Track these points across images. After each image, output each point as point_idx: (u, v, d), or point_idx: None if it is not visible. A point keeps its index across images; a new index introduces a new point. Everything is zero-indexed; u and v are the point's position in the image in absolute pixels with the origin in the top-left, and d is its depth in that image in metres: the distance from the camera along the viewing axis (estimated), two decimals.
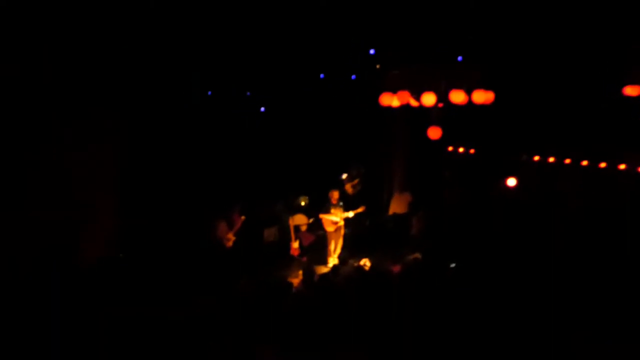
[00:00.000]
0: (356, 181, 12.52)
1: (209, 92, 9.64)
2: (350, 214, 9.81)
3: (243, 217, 9.67)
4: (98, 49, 7.15)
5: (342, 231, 10.12)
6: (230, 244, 9.56)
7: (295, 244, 10.62)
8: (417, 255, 7.98)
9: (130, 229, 8.65)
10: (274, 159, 11.86)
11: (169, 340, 5.58)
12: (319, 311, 5.94)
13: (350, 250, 9.92)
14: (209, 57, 8.68)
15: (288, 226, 10.80)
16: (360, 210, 9.85)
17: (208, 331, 5.65)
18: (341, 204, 9.89)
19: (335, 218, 9.91)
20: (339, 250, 10.14)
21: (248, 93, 10.78)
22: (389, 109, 9.11)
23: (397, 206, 11.24)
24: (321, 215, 10.14)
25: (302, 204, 12.08)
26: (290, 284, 7.02)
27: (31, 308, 6.02)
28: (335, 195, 10.00)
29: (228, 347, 5.31)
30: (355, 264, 8.36)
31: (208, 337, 5.53)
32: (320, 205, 10.12)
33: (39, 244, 7.12)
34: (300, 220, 11.34)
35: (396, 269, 7.43)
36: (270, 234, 11.10)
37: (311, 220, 11.65)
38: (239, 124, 11.15)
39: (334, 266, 8.44)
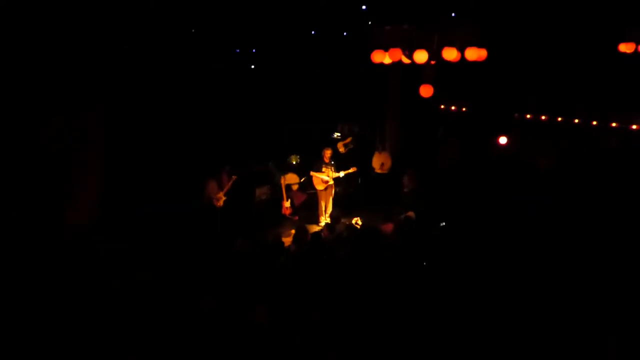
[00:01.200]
0: (348, 140, 12.69)
1: (199, 50, 9.84)
2: (341, 174, 9.80)
3: (234, 177, 9.62)
4: (83, 11, 7.09)
5: (333, 190, 10.15)
6: (220, 203, 9.51)
7: (287, 203, 10.60)
8: (410, 213, 7.92)
9: (119, 190, 8.67)
10: (265, 118, 11.95)
11: (163, 304, 5.66)
12: (312, 269, 6.05)
13: (341, 209, 9.99)
14: (197, 15, 8.71)
15: (280, 185, 10.89)
16: (351, 170, 9.86)
17: (203, 292, 5.66)
18: (333, 163, 9.87)
19: (325, 177, 9.89)
20: (330, 209, 10.06)
21: (237, 50, 10.72)
22: (381, 66, 9.05)
23: (376, 165, 11.34)
24: (312, 173, 10.01)
25: (294, 162, 12.18)
26: (283, 244, 7.16)
27: (18, 274, 6.15)
28: (327, 153, 9.88)
29: (223, 307, 5.36)
30: (347, 223, 8.36)
31: (203, 298, 5.60)
32: (312, 164, 10.12)
33: (25, 209, 7.04)
34: (291, 179, 11.44)
35: (389, 227, 7.45)
36: (261, 193, 11.18)
37: (303, 179, 11.81)
38: (229, 83, 11.13)
39: (326, 224, 8.59)
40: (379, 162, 11.28)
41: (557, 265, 6.46)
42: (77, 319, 5.45)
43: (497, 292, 5.79)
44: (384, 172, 11.22)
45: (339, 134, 13.32)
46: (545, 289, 5.91)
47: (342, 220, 8.77)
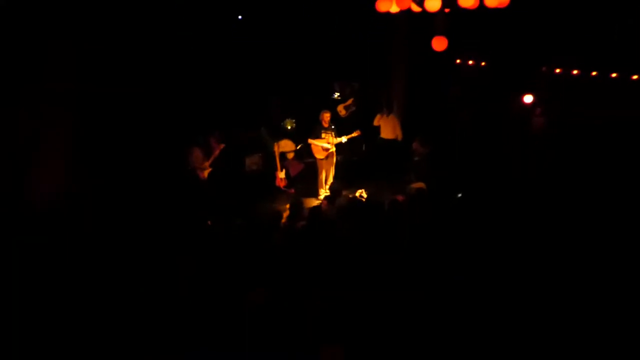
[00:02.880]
0: (350, 101, 12.53)
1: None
2: (343, 139, 9.77)
3: (222, 145, 9.69)
4: None
5: (334, 159, 10.22)
6: (205, 174, 9.56)
7: (281, 174, 10.56)
8: (421, 184, 7.97)
9: (91, 161, 8.42)
10: (255, 76, 11.86)
11: (150, 287, 5.64)
12: (310, 249, 5.94)
13: (343, 181, 9.97)
14: None
15: (273, 153, 10.75)
16: (354, 134, 9.80)
17: (193, 275, 5.70)
18: (333, 127, 9.77)
19: (326, 145, 9.83)
20: (330, 180, 10.09)
21: None
22: (387, 16, 8.78)
23: (383, 131, 11.28)
24: (310, 141, 10.03)
25: (289, 128, 12.20)
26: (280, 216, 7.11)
27: None
28: (326, 117, 9.88)
29: (216, 293, 5.39)
30: (350, 196, 8.36)
31: (193, 282, 5.58)
32: (309, 129, 10.04)
33: None
34: (286, 146, 11.42)
35: (398, 200, 7.40)
36: (252, 162, 11.11)
37: (299, 147, 11.82)
38: (214, 38, 11.04)
39: (326, 198, 8.29)
40: (387, 127, 11.14)
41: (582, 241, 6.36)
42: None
43: (519, 277, 5.65)
44: (393, 138, 11.14)
45: (338, 95, 13.19)
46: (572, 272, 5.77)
47: (345, 192, 8.70)
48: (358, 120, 12.15)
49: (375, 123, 11.29)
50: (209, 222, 7.17)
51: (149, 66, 9.47)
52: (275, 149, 10.69)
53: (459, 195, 7.72)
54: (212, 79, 11.03)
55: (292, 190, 10.44)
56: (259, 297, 5.18)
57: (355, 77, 13.11)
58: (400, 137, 11.02)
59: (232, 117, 11.11)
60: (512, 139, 10.17)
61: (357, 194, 8.65)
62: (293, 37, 12.02)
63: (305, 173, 11.05)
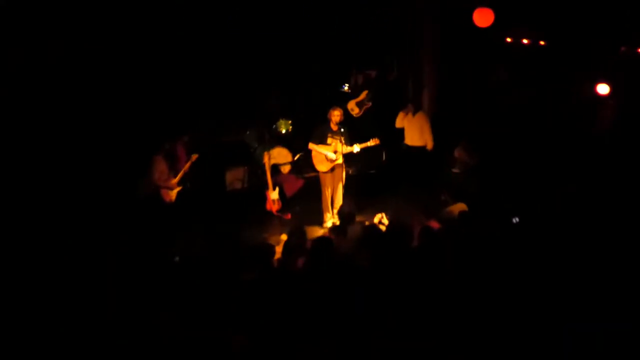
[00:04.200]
0: (364, 95, 12.54)
1: None
2: (356, 147, 9.66)
3: (194, 155, 9.61)
4: None
5: (343, 172, 10.08)
6: (172, 195, 9.50)
7: (274, 194, 10.43)
8: (463, 206, 7.96)
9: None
10: (239, 60, 12.05)
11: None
12: (313, 296, 5.84)
13: (357, 202, 10.02)
14: None
15: (263, 166, 10.65)
16: (371, 143, 9.71)
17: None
18: (343, 130, 9.67)
19: (331, 154, 9.75)
20: (339, 202, 9.98)
21: None
22: None
23: (408, 135, 11.34)
24: (312, 146, 9.91)
25: (283, 131, 12.22)
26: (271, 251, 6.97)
27: None
28: (334, 116, 9.73)
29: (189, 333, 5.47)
30: (367, 223, 8.41)
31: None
32: (311, 132, 10.00)
33: None
34: (280, 156, 11.53)
35: (433, 225, 7.49)
36: (234, 178, 11.22)
37: (297, 157, 11.99)
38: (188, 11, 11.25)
39: (334, 227, 8.31)
40: (413, 130, 11.15)
41: None
42: None
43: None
44: (422, 145, 11.16)
45: (349, 87, 13.29)
46: None
47: (359, 218, 8.71)
48: (376, 121, 12.23)
49: (398, 124, 11.26)
50: (177, 259, 7.24)
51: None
52: (266, 159, 10.53)
53: (516, 220, 7.63)
54: (182, 63, 11.26)
55: (288, 216, 10.38)
56: (239, 345, 5.26)
57: (371, 62, 13.13)
58: (430, 144, 10.98)
59: (208, 116, 11.36)
60: (583, 141, 10.09)
61: (376, 220, 8.52)
62: (291, 11, 12.26)
63: (306, 192, 11.11)
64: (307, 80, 12.77)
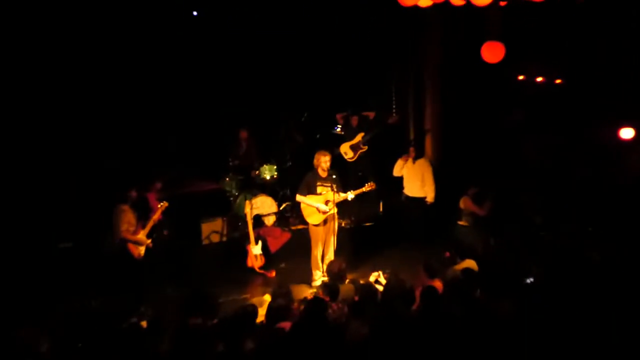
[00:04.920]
0: (358, 138, 12.59)
1: None
2: (350, 195, 9.70)
3: (164, 203, 9.56)
4: None
5: (335, 224, 9.98)
6: (141, 251, 9.41)
7: (256, 248, 10.47)
8: (471, 263, 8.07)
9: None
10: (218, 96, 12.43)
11: None
12: None
13: (350, 257, 10.02)
14: None
15: (244, 217, 10.75)
16: (366, 188, 9.74)
17: None
18: (335, 177, 9.66)
19: (322, 206, 9.71)
20: (330, 256, 9.88)
21: None
22: (415, 10, 8.92)
23: (407, 184, 11.39)
24: (300, 199, 9.83)
25: (268, 177, 12.22)
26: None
27: None
28: (323, 161, 9.63)
29: None
30: (362, 281, 8.39)
31: None
32: (298, 178, 10.05)
33: None
34: (264, 206, 11.55)
35: (437, 286, 7.40)
36: (212, 230, 11.24)
37: (284, 207, 12.05)
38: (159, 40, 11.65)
39: (325, 286, 8.16)
40: (414, 179, 11.24)
41: None
42: None
43: None
44: (422, 197, 11.25)
45: (341, 129, 13.37)
46: None
47: (352, 276, 8.66)
48: (372, 165, 12.33)
49: (397, 172, 11.36)
50: (144, 324, 7.11)
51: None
52: (247, 209, 10.61)
53: (529, 280, 7.58)
54: (153, 97, 11.62)
55: (273, 273, 10.40)
56: None
57: (367, 103, 13.27)
58: (431, 196, 11.13)
59: (182, 159, 11.57)
60: (605, 191, 10.19)
61: (372, 279, 8.53)
62: (276, 39, 12.62)
63: (293, 246, 11.08)
64: (295, 120, 12.95)
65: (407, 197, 11.32)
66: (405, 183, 11.31)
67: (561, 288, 7.23)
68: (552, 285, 7.38)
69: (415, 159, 11.22)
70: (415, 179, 11.18)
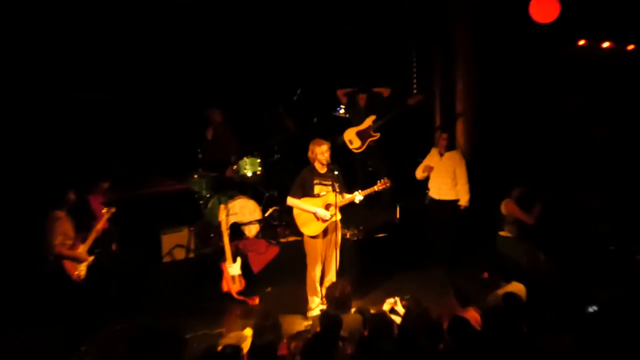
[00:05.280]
0: (369, 122, 12.63)
1: None
2: (358, 195, 9.72)
3: (111, 209, 9.68)
4: None
5: (339, 234, 10.03)
6: (82, 271, 9.47)
7: (234, 268, 10.46)
8: (517, 287, 8.13)
9: None
10: (184, 62, 12.58)
11: None
12: None
13: (357, 279, 10.10)
14: None
15: (217, 226, 10.74)
16: (379, 186, 9.78)
17: None
18: (337, 173, 9.71)
19: (322, 211, 9.70)
20: (332, 277, 9.94)
21: None
22: None
23: (434, 183, 11.40)
24: (292, 202, 9.78)
25: (248, 174, 12.30)
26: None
27: None
28: (321, 153, 9.67)
29: None
30: (373, 310, 8.37)
31: None
32: (289, 175, 10.11)
33: None
34: (244, 211, 11.61)
35: (470, 317, 7.40)
36: (174, 244, 11.23)
37: (270, 212, 12.12)
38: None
39: (324, 316, 8.05)
40: (443, 176, 11.27)
41: None
42: None
43: None
44: (453, 199, 11.28)
45: (345, 110, 13.45)
46: None
47: (359, 303, 8.74)
48: (384, 158, 12.43)
49: (422, 173, 11.38)
50: None
51: None
52: (222, 216, 10.57)
53: (593, 309, 7.55)
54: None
55: (256, 300, 10.52)
56: None
57: (380, 77, 13.22)
58: (465, 199, 11.14)
59: (135, 152, 11.66)
60: None
61: (387, 308, 8.48)
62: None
63: (282, 265, 11.09)
64: (285, 100, 12.95)
65: (433, 200, 11.34)
66: (432, 182, 11.35)
67: (635, 319, 7.22)
68: (624, 316, 7.34)
69: (444, 151, 11.25)
70: (445, 177, 11.20)
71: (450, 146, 11.31)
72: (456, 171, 11.14)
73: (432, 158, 11.28)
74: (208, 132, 12.56)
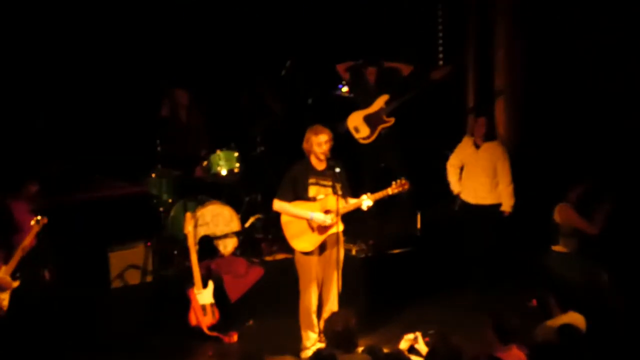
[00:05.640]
0: (380, 103, 12.62)
1: None
2: (366, 200, 9.75)
3: (42, 220, 9.62)
4: None
5: (341, 251, 10.02)
6: (3, 301, 9.54)
7: (205, 295, 10.48)
8: (575, 318, 8.07)
9: None
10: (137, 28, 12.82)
11: None
12: None
13: (367, 309, 10.21)
14: None
15: (183, 240, 10.74)
16: (393, 189, 9.82)
17: None
18: (338, 170, 9.72)
19: (319, 216, 9.74)
20: (332, 306, 9.98)
21: None
22: None
23: (468, 182, 11.44)
24: (280, 206, 9.80)
25: (223, 172, 12.34)
26: None
27: None
28: (320, 144, 9.72)
29: None
30: (387, 349, 8.41)
31: None
32: (277, 174, 10.32)
33: None
34: (218, 221, 11.64)
35: (514, 356, 7.44)
36: (127, 265, 11.29)
37: (252, 221, 12.18)
38: None
39: (322, 357, 8.06)
40: (479, 174, 11.32)
41: None
42: None
43: None
44: (494, 204, 11.29)
45: (348, 88, 13.66)
46: None
47: (369, 341, 8.90)
48: (401, 150, 12.43)
49: (452, 170, 11.45)
50: None
51: None
52: (190, 228, 10.57)
53: None
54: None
55: (234, 337, 10.48)
56: None
57: (396, 48, 13.36)
58: (509, 203, 11.18)
59: (69, 139, 11.85)
60: None
61: (405, 346, 8.55)
62: None
63: (267, 291, 11.18)
64: (271, 76, 13.01)
65: (467, 204, 11.41)
66: (465, 182, 11.43)
67: None
68: None
69: (481, 142, 11.30)
70: (482, 175, 11.26)
71: (490, 135, 11.32)
72: (497, 168, 11.18)
73: (466, 150, 11.33)
74: (163, 108, 12.58)
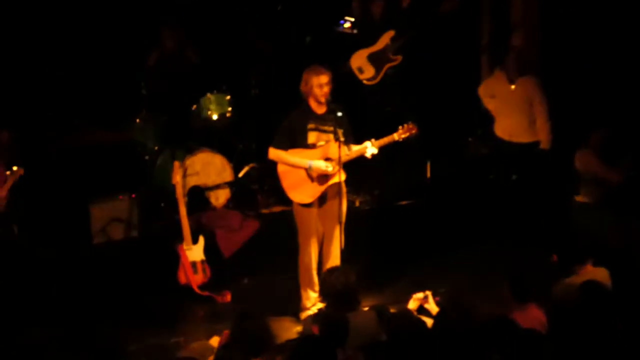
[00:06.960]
0: (386, 40, 12.58)
1: None
2: (370, 147, 9.85)
3: (17, 171, 9.75)
4: None
5: (344, 203, 9.99)
6: None
7: (195, 251, 10.52)
8: (598, 271, 8.12)
9: None
10: None
11: None
12: None
13: (372, 266, 10.31)
14: None
15: (172, 191, 10.70)
16: (400, 134, 9.92)
17: None
18: (340, 114, 9.78)
19: (319, 164, 9.74)
20: (334, 261, 10.02)
21: None
22: None
23: (503, 117, 11.46)
24: (276, 155, 9.84)
25: (214, 117, 12.40)
26: None
27: None
28: (320, 86, 9.70)
29: None
30: (394, 309, 8.55)
31: None
32: (273, 120, 10.49)
33: None
34: (208, 171, 11.62)
35: (533, 317, 7.47)
36: (110, 219, 11.30)
37: (246, 171, 12.20)
38: None
39: (322, 317, 8.20)
40: (512, 111, 11.37)
41: None
42: None
43: None
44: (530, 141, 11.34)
45: (351, 24, 13.56)
46: None
47: (373, 300, 9.03)
48: (409, 92, 12.43)
49: (487, 100, 11.49)
50: None
51: None
52: (178, 177, 10.62)
53: None
54: None
55: (228, 297, 10.57)
56: None
57: None
58: (547, 139, 11.22)
59: (50, 89, 11.77)
60: None
61: (413, 306, 8.53)
62: None
63: (264, 246, 11.21)
64: (262, 11, 13.02)
65: (502, 140, 11.53)
66: (500, 121, 11.55)
67: None
68: None
69: (515, 76, 11.32)
70: (518, 113, 11.34)
71: (523, 69, 11.32)
72: (534, 103, 11.25)
73: (498, 86, 11.37)
74: (151, 57, 12.51)
